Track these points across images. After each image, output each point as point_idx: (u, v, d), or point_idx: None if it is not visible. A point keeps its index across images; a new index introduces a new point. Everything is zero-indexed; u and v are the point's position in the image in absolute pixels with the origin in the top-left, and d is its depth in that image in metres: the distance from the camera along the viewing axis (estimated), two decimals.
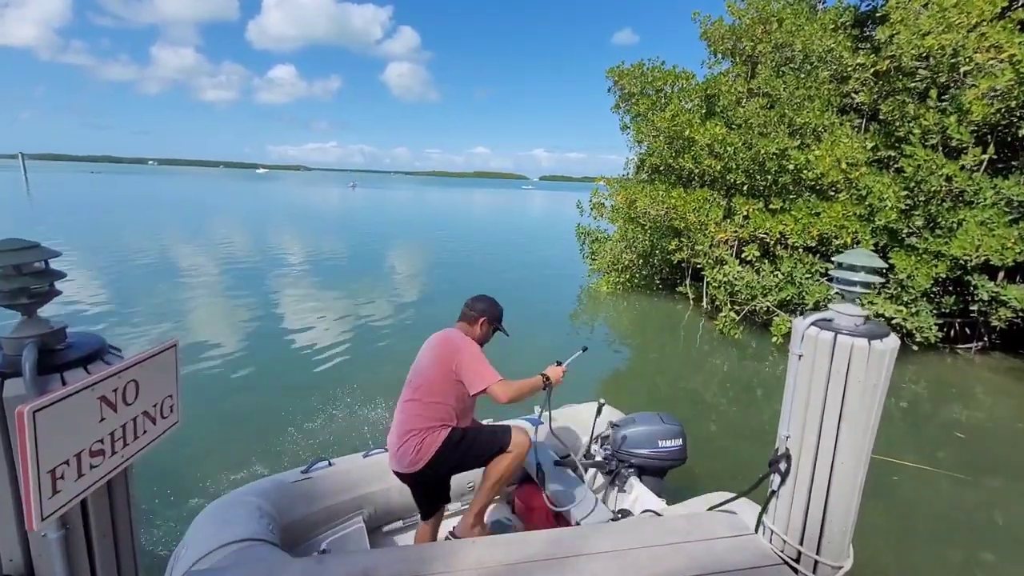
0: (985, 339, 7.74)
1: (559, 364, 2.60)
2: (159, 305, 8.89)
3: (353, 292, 10.51)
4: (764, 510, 1.99)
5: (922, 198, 6.92)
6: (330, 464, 2.78)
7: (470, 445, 2.39)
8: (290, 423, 4.96)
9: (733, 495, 2.75)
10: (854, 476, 1.74)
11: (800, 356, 1.77)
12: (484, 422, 2.86)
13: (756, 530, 2.02)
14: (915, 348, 7.24)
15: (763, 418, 5.58)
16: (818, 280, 7.68)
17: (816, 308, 7.49)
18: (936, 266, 6.72)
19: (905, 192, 7.00)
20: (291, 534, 2.46)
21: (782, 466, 1.83)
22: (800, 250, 7.88)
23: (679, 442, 2.95)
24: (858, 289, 1.74)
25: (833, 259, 1.90)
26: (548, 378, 2.51)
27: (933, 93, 6.80)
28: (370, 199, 53.74)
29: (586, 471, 3.13)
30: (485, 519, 2.75)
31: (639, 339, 8.79)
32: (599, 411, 3.15)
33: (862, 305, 1.79)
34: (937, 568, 3.46)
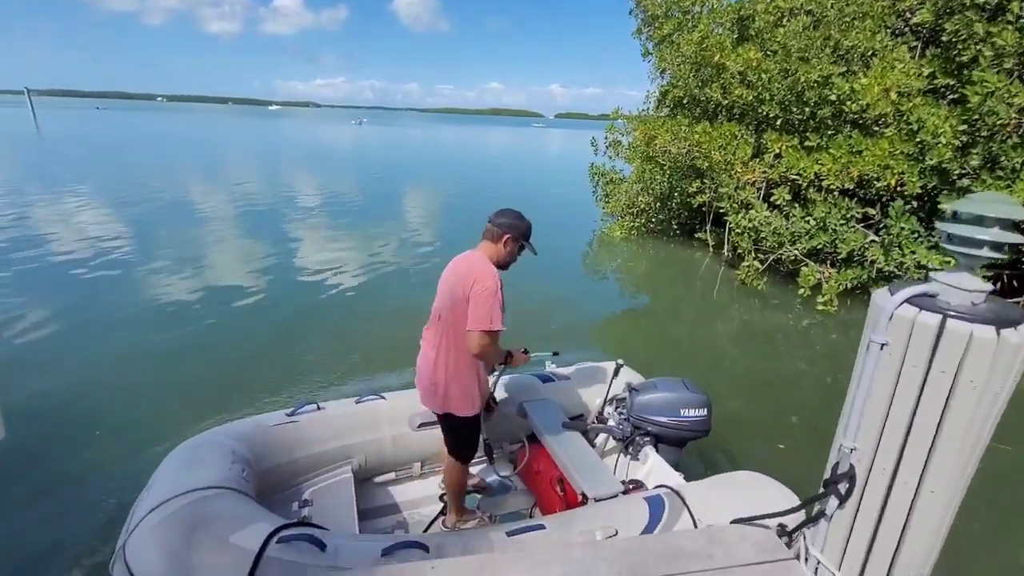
0: None
1: (526, 352, 2.42)
2: (172, 242, 8.62)
3: (361, 232, 10.07)
4: (805, 527, 1.55)
5: (984, 133, 6.06)
6: (319, 408, 2.59)
7: (461, 430, 2.33)
8: (287, 365, 4.73)
9: (757, 474, 2.37)
10: (944, 509, 1.27)
11: (883, 345, 1.26)
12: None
13: (797, 555, 1.59)
14: None
15: (787, 380, 5.13)
16: (854, 227, 6.98)
17: (850, 259, 6.86)
18: None
19: (964, 126, 6.14)
20: (269, 481, 2.30)
21: (842, 487, 1.36)
22: (835, 194, 7.12)
23: (703, 412, 2.64)
24: (985, 253, 1.20)
25: (943, 207, 1.33)
26: (511, 357, 2.36)
27: (1015, 6, 5.79)
28: (378, 137, 52.16)
29: (596, 435, 2.92)
30: (486, 477, 2.84)
31: (653, 288, 8.27)
32: (616, 372, 2.83)
33: (986, 278, 1.26)
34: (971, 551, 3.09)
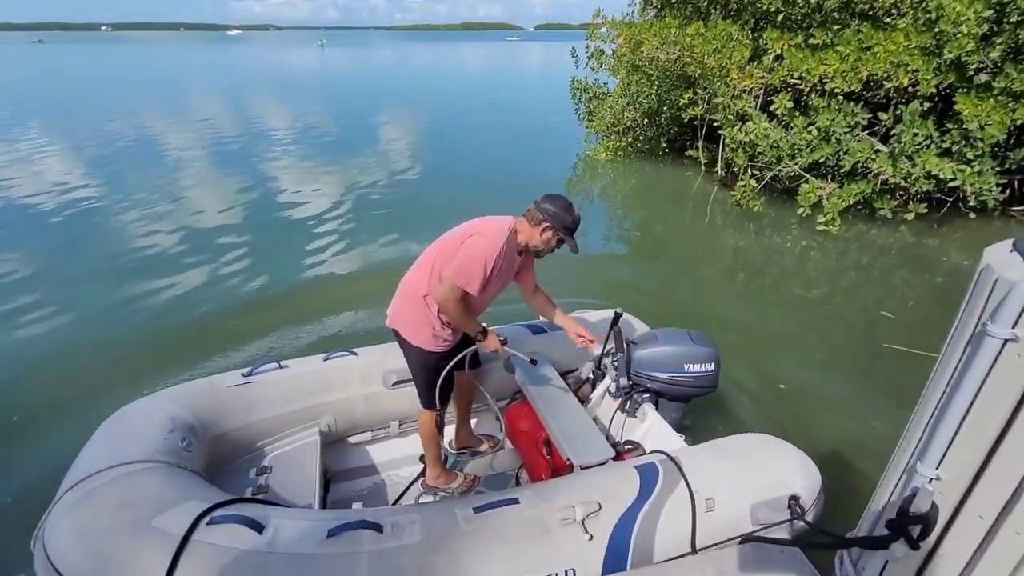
0: None
1: (504, 342, 2.16)
2: (133, 187, 7.89)
3: (334, 171, 9.25)
4: (846, 550, 1.19)
5: (1014, 18, 5.34)
6: (280, 366, 2.37)
7: (409, 359, 2.21)
8: (249, 322, 4.29)
9: (766, 436, 2.13)
10: None
11: (1010, 340, 0.80)
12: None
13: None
14: (971, 215, 6.20)
15: (786, 309, 4.76)
16: (859, 136, 6.37)
17: (853, 172, 6.31)
18: (1015, 110, 5.39)
19: (990, 11, 5.40)
20: (221, 449, 2.13)
21: (915, 529, 0.96)
22: (840, 98, 6.44)
23: (711, 367, 2.39)
24: None
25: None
26: (484, 333, 2.12)
27: None
28: (343, 61, 48.52)
29: (591, 391, 2.70)
30: (474, 431, 2.71)
31: (641, 214, 7.73)
32: (615, 321, 2.54)
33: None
34: None
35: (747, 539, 1.32)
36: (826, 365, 3.91)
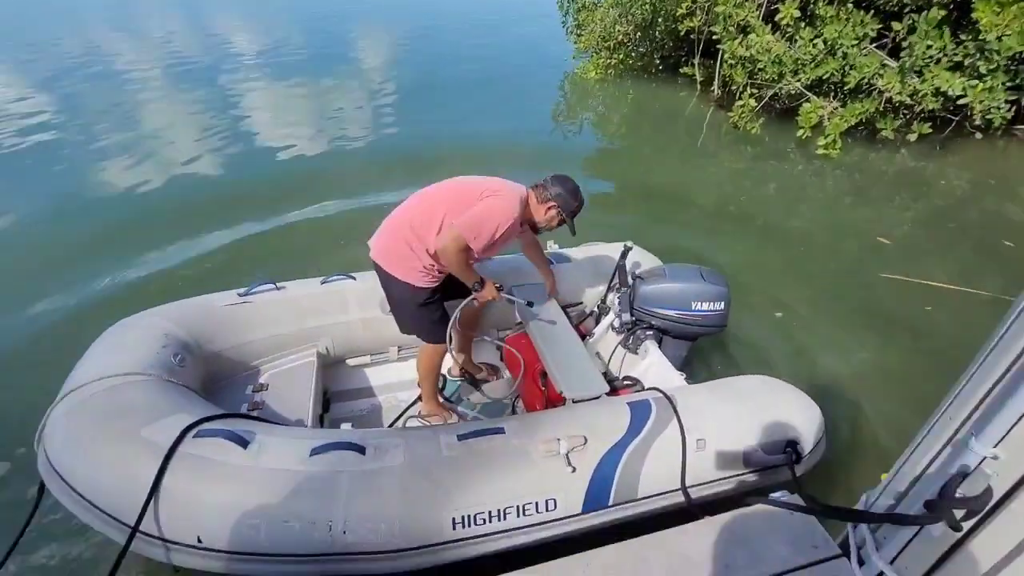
0: None
1: (500, 289, 2.15)
2: (98, 116, 7.22)
3: (312, 92, 8.68)
4: (866, 525, 1.09)
5: None
6: (277, 288, 2.34)
7: (410, 308, 2.13)
8: (240, 244, 4.16)
9: (770, 378, 2.08)
10: None
11: None
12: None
13: (848, 557, 1.15)
14: (977, 135, 5.95)
15: (785, 243, 4.59)
16: (866, 51, 5.93)
17: (858, 89, 5.94)
18: None
19: None
20: (217, 365, 2.15)
21: (956, 509, 0.84)
22: (849, 6, 5.93)
23: (720, 306, 2.28)
24: None
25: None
26: (482, 284, 2.08)
27: None
28: None
29: (595, 325, 2.67)
30: (473, 359, 2.68)
31: (631, 139, 7.34)
32: (624, 255, 2.46)
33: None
34: None
35: (760, 502, 1.22)
36: (823, 296, 3.82)
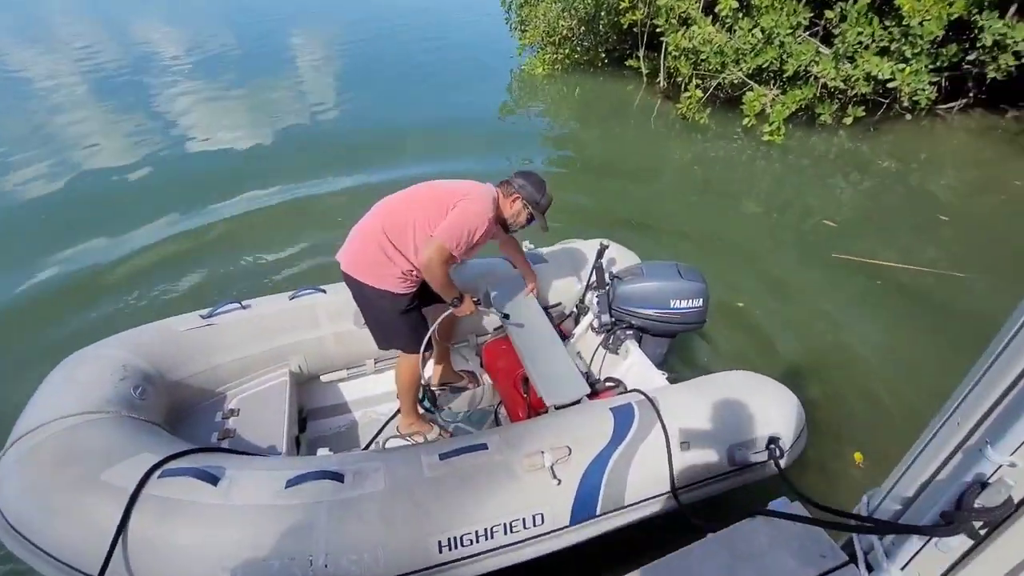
0: (970, 95, 6.83)
1: (477, 303, 2.11)
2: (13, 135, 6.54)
3: (241, 93, 8.17)
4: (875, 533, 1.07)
5: None
6: (243, 307, 2.24)
7: (391, 317, 2.07)
8: (196, 264, 3.90)
9: (750, 373, 2.09)
10: None
11: None
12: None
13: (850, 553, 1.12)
14: (906, 116, 6.28)
15: (740, 229, 4.69)
16: (801, 39, 6.15)
17: (796, 76, 6.15)
18: (952, 3, 5.31)
19: None
20: (182, 394, 2.04)
21: (975, 520, 0.82)
22: None
23: (699, 303, 2.28)
24: None
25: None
26: (460, 299, 2.05)
27: None
28: None
29: (574, 326, 2.66)
30: (453, 366, 2.66)
31: (581, 133, 7.33)
32: (600, 254, 2.44)
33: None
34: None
35: (762, 513, 1.19)
36: (780, 280, 3.92)
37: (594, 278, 2.46)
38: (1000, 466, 0.79)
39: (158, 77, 9.36)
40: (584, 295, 2.63)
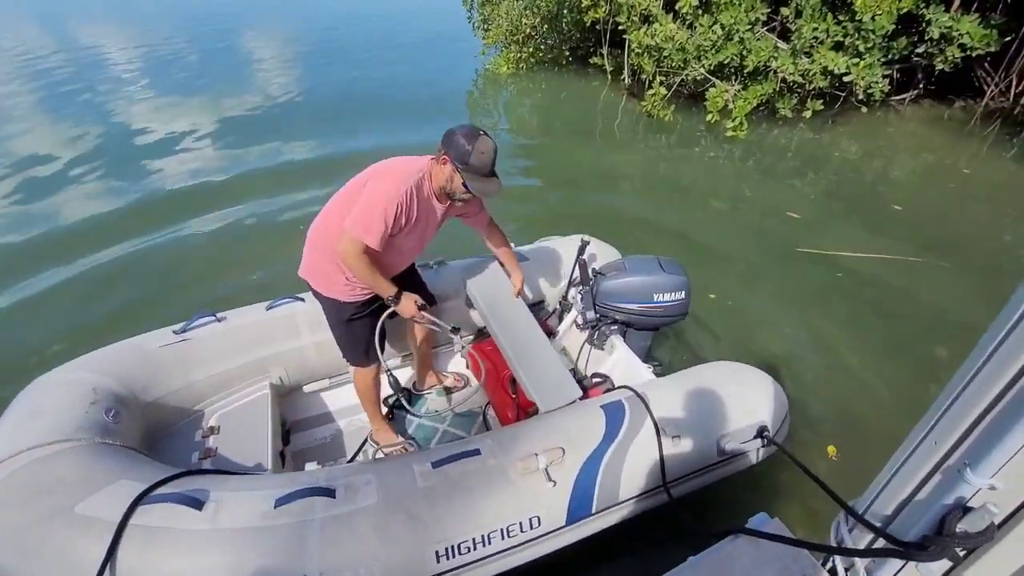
0: (920, 87, 7.07)
1: (423, 307, 1.93)
2: None
3: (199, 99, 7.82)
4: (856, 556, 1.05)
5: None
6: (218, 319, 2.17)
7: (338, 327, 2.01)
8: (165, 279, 3.75)
9: (735, 364, 2.14)
10: None
11: None
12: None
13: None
14: (863, 108, 6.46)
15: (707, 225, 4.73)
16: (760, 35, 6.26)
17: (756, 72, 6.26)
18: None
19: None
20: (159, 414, 1.96)
21: (955, 545, 0.80)
22: None
23: (681, 295, 2.29)
24: None
25: None
26: (398, 298, 1.86)
27: None
28: None
29: (559, 323, 2.62)
30: (436, 368, 2.58)
31: (549, 133, 7.30)
32: (581, 250, 2.42)
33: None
34: (904, 380, 3.08)
35: (741, 531, 1.16)
36: (748, 274, 3.97)
37: (577, 274, 2.45)
38: (980, 489, 0.77)
39: (116, 84, 8.93)
40: (567, 291, 2.62)
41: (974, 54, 5.91)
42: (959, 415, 0.80)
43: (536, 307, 2.65)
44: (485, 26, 9.43)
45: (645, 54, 6.69)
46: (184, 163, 5.74)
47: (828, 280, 3.90)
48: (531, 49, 9.01)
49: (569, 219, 4.74)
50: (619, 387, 2.06)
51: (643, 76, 7.11)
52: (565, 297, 2.65)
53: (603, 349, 2.45)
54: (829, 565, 1.11)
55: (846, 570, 1.08)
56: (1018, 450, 0.71)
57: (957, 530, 0.79)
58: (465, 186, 1.75)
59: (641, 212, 4.89)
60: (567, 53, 9.25)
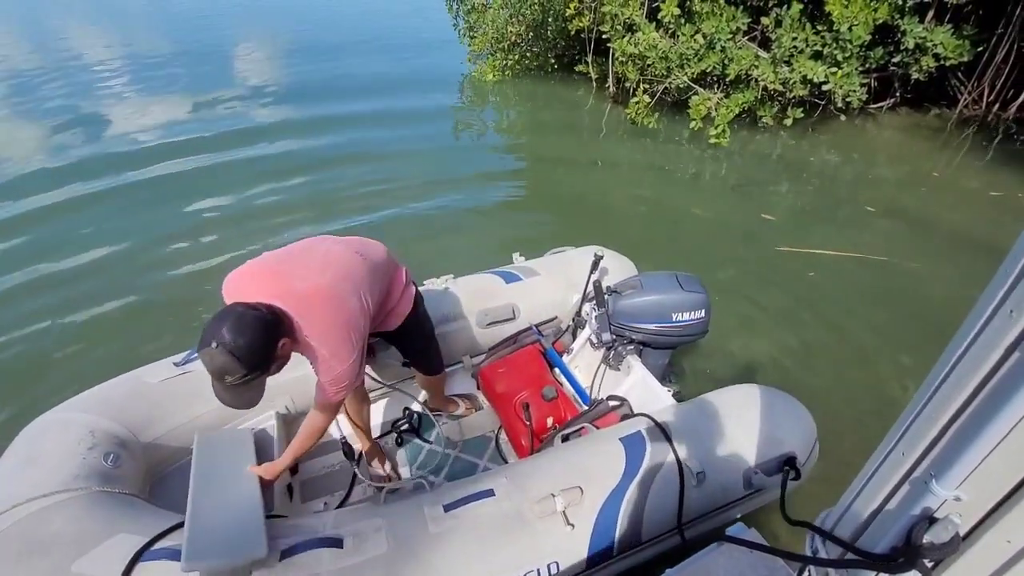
0: (897, 95, 7.23)
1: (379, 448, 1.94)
2: None
3: (180, 105, 7.64)
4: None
5: None
6: None
7: None
8: (159, 307, 3.61)
9: (760, 388, 1.97)
10: None
11: None
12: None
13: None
14: (841, 117, 6.58)
15: (691, 231, 4.78)
16: (741, 44, 6.35)
17: (738, 80, 6.34)
18: (877, 9, 5.59)
19: None
20: (162, 453, 1.88)
21: (922, 556, 0.80)
22: (721, 2, 6.31)
23: (701, 314, 2.17)
24: None
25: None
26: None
27: None
28: None
29: (573, 340, 2.52)
30: (446, 391, 2.42)
31: (535, 141, 7.33)
32: (595, 265, 2.33)
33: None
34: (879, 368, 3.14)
35: (732, 540, 1.16)
36: (734, 277, 4.05)
37: (591, 289, 2.35)
38: (946, 500, 0.77)
39: (100, 99, 8.79)
40: (580, 306, 2.51)
41: (948, 63, 6.06)
42: (925, 426, 0.80)
43: (548, 325, 2.56)
44: (471, 34, 9.46)
45: (629, 62, 6.75)
46: (186, 184, 5.63)
47: (802, 277, 4.03)
48: (516, 57, 9.05)
49: (552, 225, 4.78)
50: (637, 414, 1.97)
51: (627, 84, 7.17)
52: (579, 313, 2.53)
53: (619, 370, 2.34)
54: (804, 575, 1.11)
55: None
56: (981, 461, 0.72)
57: (924, 542, 0.79)
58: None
59: (625, 219, 4.93)
60: (552, 61, 9.30)
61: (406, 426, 2.40)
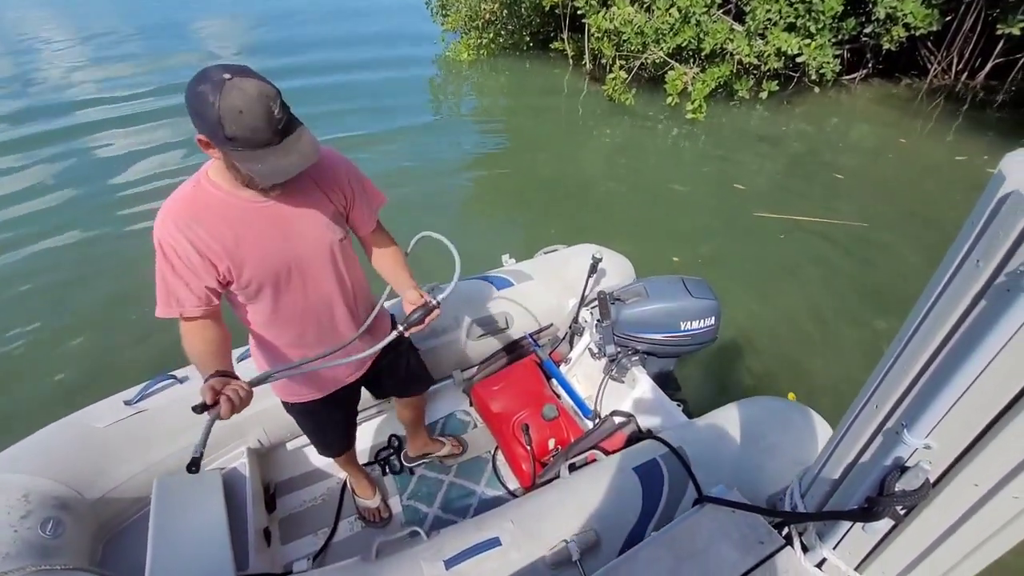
0: (869, 66, 7.30)
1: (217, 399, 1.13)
2: None
3: (140, 90, 7.36)
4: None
5: None
6: (180, 381, 1.81)
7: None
8: (104, 335, 3.11)
9: (775, 402, 1.80)
10: None
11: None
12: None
13: (789, 544, 1.13)
14: (815, 89, 6.63)
15: (672, 206, 4.81)
16: (716, 17, 6.32)
17: (714, 54, 6.33)
18: None
19: None
20: (111, 510, 1.62)
21: (894, 504, 0.83)
22: None
23: (711, 321, 1.99)
24: None
25: None
26: (209, 406, 1.11)
27: None
28: None
29: (570, 348, 2.36)
30: (437, 411, 2.29)
31: (513, 121, 7.24)
32: (594, 267, 2.16)
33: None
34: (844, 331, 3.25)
35: (713, 500, 1.17)
36: (718, 247, 4.14)
37: (589, 293, 2.22)
38: (916, 448, 0.80)
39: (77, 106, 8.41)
40: (578, 312, 2.30)
41: (918, 33, 6.13)
42: (896, 378, 0.82)
43: (544, 333, 2.38)
44: (444, 12, 9.25)
45: (604, 38, 6.69)
46: (129, 177, 5.46)
47: (777, 242, 4.19)
48: (491, 35, 8.89)
49: (531, 207, 4.76)
50: (647, 433, 1.80)
51: (603, 60, 7.11)
52: (576, 319, 2.32)
53: (623, 382, 2.16)
54: (785, 531, 1.14)
55: (800, 534, 1.12)
56: (949, 409, 0.74)
57: (896, 489, 0.81)
58: (244, 166, 1.05)
59: (604, 196, 4.94)
60: (527, 39, 9.17)
61: (391, 453, 2.21)
